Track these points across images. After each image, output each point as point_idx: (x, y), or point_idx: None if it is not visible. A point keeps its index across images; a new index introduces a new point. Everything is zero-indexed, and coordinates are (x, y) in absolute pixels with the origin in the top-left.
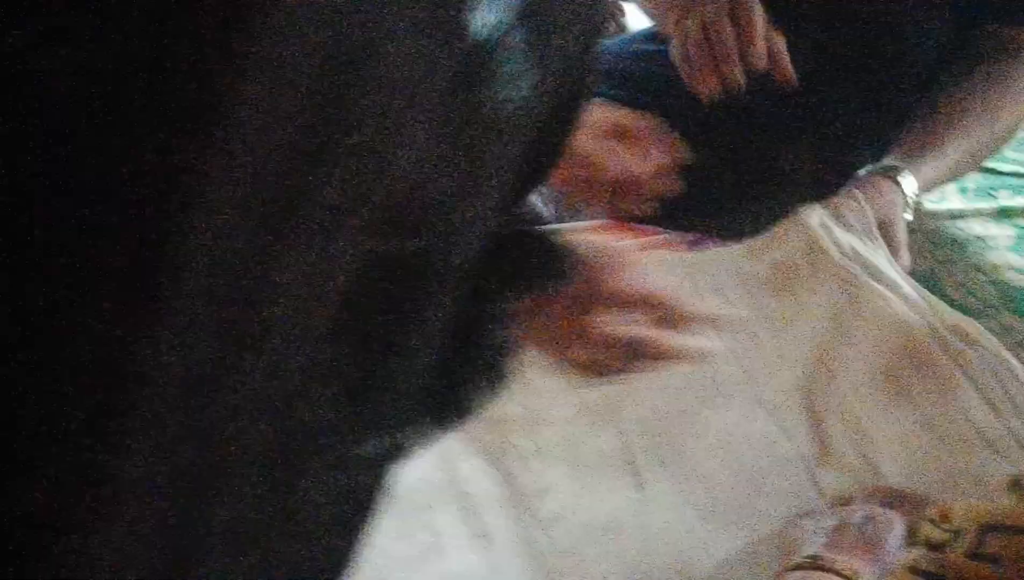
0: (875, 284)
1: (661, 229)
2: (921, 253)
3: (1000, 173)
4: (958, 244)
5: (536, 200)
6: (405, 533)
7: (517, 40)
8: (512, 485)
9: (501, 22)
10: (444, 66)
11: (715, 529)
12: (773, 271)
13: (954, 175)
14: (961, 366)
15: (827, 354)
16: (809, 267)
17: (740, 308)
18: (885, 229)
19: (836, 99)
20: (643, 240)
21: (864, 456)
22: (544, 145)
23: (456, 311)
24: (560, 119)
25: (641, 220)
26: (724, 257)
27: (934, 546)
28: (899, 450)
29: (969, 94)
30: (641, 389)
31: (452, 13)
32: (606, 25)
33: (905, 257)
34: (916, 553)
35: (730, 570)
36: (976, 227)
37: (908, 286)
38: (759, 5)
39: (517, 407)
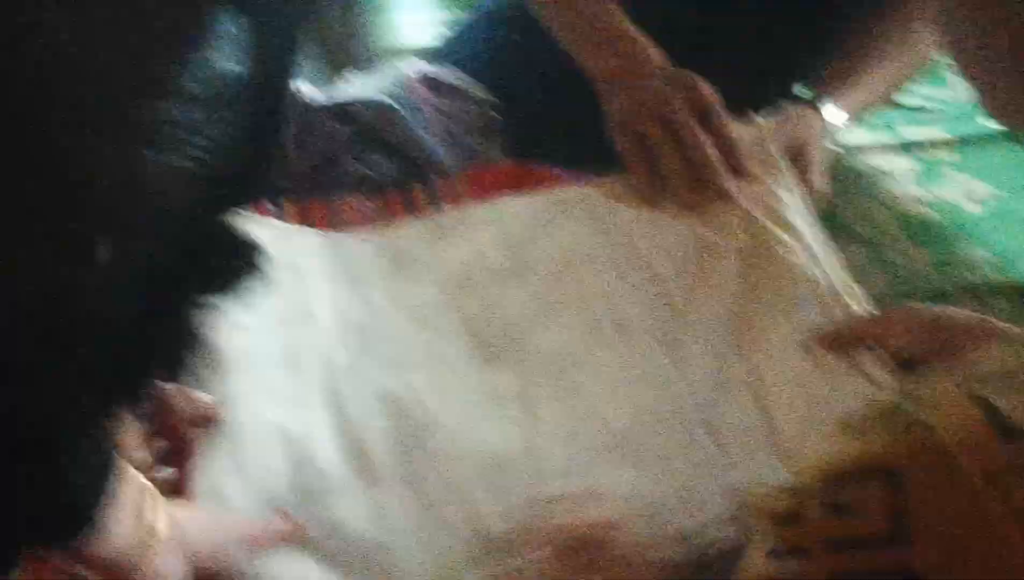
0: (779, 232)
1: (562, 169)
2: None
3: (904, 107)
4: (861, 176)
5: (434, 144)
6: (294, 473)
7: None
8: (402, 420)
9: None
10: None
11: (608, 466)
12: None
13: (877, 103)
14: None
15: (730, 298)
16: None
17: (645, 245)
18: (799, 152)
19: (766, 34)
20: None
21: (758, 399)
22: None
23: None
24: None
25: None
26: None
27: (784, 520)
28: (794, 394)
29: (887, 24)
30: (540, 328)
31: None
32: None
33: (817, 179)
34: (765, 537)
35: (623, 505)
36: (879, 160)
37: (809, 235)
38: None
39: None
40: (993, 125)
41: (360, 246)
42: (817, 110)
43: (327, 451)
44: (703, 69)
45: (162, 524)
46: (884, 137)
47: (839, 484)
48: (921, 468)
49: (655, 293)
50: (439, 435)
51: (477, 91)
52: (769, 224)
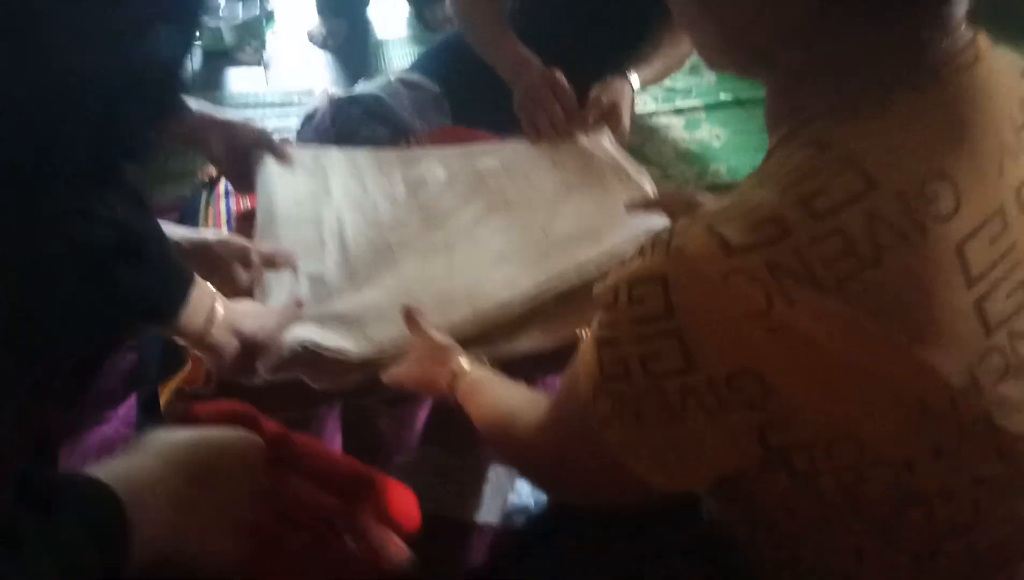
0: (602, 154)
1: (487, 131)
2: (632, 135)
3: (675, 89)
4: (653, 129)
5: (409, 118)
6: (312, 286)
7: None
8: (380, 256)
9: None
10: None
11: (495, 274)
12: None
13: (657, 79)
14: (621, 180)
15: (566, 181)
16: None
17: (527, 165)
18: (614, 108)
19: (599, 41)
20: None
21: (580, 220)
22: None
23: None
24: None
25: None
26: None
27: (605, 307)
28: (604, 225)
29: (668, 29)
30: (462, 208)
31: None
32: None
33: (626, 128)
34: (595, 321)
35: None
36: (663, 119)
37: (619, 155)
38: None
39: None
40: (725, 96)
41: (364, 156)
42: (627, 79)
43: (332, 273)
44: (562, 64)
45: (220, 310)
46: (665, 106)
47: (635, 283)
48: (680, 272)
49: (528, 186)
50: (400, 265)
51: (433, 87)
52: (596, 151)
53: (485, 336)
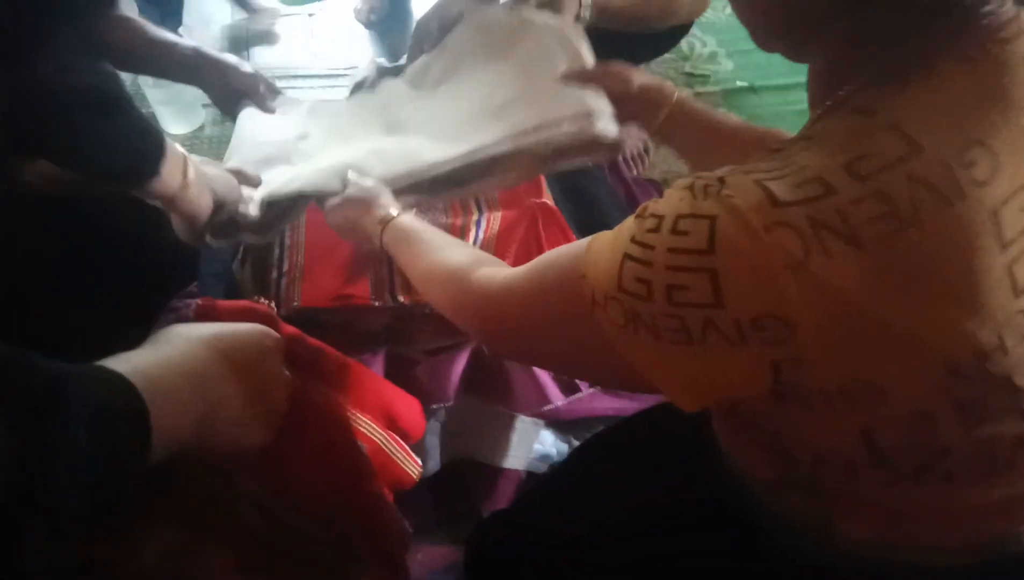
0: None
1: None
2: None
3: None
4: None
5: None
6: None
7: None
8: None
9: None
10: None
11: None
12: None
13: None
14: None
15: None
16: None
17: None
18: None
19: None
20: None
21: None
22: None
23: None
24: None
25: None
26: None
27: (645, 231)
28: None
29: None
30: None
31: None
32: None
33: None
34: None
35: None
36: None
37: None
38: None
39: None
40: (741, 83)
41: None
42: None
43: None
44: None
45: (191, 170)
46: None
47: (683, 217)
48: (728, 217)
49: (478, 68)
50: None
51: None
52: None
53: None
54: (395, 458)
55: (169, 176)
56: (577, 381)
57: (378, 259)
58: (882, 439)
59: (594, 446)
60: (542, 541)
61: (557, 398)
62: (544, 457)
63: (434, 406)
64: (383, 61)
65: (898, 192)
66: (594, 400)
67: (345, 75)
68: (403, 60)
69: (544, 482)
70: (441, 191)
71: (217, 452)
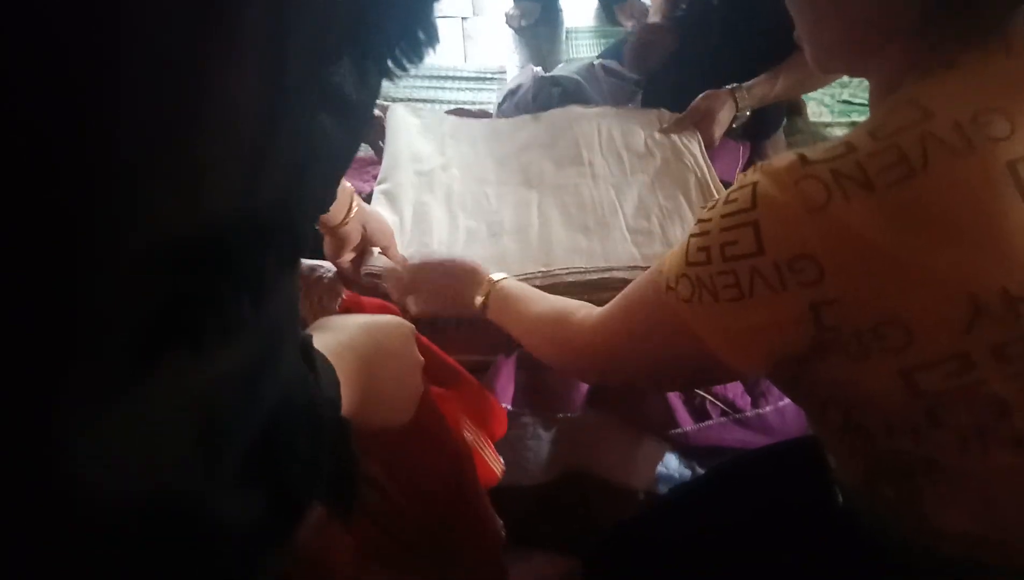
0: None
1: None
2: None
3: (851, 103)
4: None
5: (599, 100)
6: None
7: None
8: (483, 208)
9: None
10: None
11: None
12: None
13: (777, 99)
14: (702, 189)
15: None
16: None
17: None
18: (708, 114)
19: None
20: None
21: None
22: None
23: None
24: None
25: None
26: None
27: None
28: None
29: (793, 52)
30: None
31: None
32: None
33: (715, 136)
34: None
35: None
36: (837, 130)
37: (704, 163)
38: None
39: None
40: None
41: (479, 124)
42: (730, 93)
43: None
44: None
45: (355, 206)
46: (841, 119)
47: (732, 191)
48: (767, 179)
49: (616, 163)
50: (497, 210)
51: (630, 75)
52: (686, 152)
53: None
54: (484, 455)
55: (333, 214)
56: (708, 409)
57: None
58: (925, 384)
59: (722, 474)
60: (663, 561)
61: (686, 422)
62: (666, 480)
63: (560, 414)
64: (539, 70)
65: (910, 145)
66: (723, 431)
67: (494, 78)
68: (560, 68)
69: (670, 502)
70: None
71: (365, 431)
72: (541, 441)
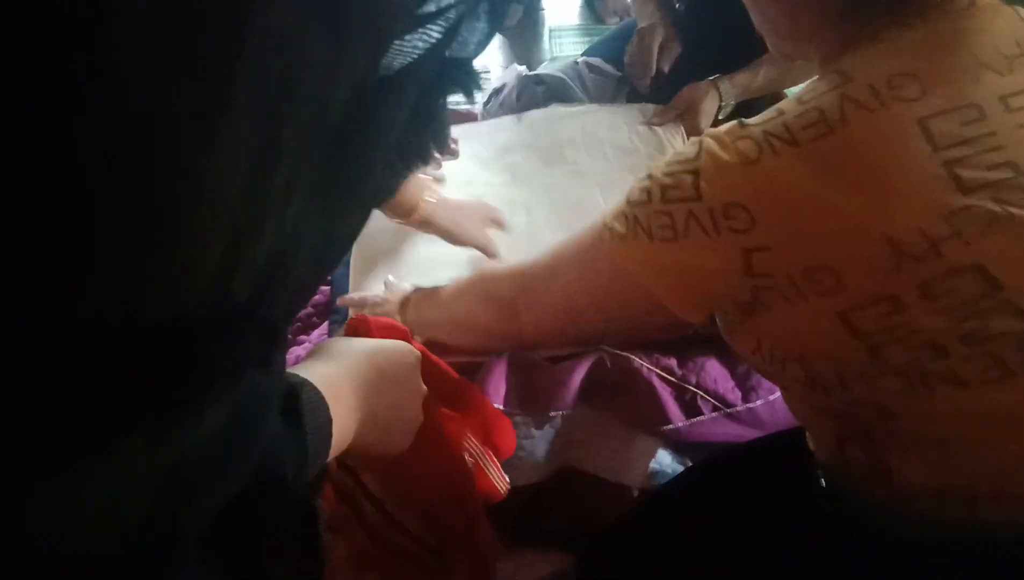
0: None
1: None
2: None
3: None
4: None
5: (582, 94)
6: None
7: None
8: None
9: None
10: None
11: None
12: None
13: (761, 91)
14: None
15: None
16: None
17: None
18: (692, 106)
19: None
20: None
21: None
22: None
23: None
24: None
25: None
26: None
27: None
28: None
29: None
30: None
31: None
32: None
33: (700, 127)
34: None
35: None
36: None
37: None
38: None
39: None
40: None
41: (459, 129)
42: (714, 85)
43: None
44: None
45: (428, 190)
46: None
47: (683, 145)
48: (712, 140)
49: (601, 157)
50: (534, 213)
51: (614, 72)
52: (669, 146)
53: None
54: (487, 472)
55: (407, 191)
56: (700, 404)
57: None
58: (862, 324)
59: (711, 468)
60: (657, 556)
61: (678, 419)
62: (659, 476)
63: (552, 413)
64: (524, 69)
65: (829, 106)
66: (716, 425)
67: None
68: (545, 66)
69: (661, 498)
70: None
71: (365, 456)
72: (534, 440)
